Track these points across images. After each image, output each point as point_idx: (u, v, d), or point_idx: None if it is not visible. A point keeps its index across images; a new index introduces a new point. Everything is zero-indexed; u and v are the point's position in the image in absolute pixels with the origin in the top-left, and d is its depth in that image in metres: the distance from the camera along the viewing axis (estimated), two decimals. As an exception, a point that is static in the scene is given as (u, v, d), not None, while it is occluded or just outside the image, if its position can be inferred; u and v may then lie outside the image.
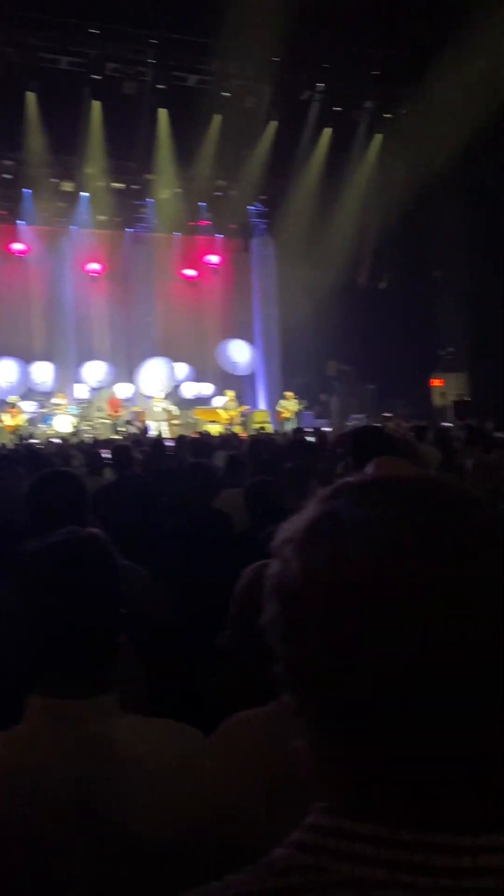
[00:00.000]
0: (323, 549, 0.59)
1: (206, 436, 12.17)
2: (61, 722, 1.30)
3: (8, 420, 16.39)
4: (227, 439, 10.95)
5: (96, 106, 16.57)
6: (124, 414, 18.03)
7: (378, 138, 18.72)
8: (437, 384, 19.46)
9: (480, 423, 11.03)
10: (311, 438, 9.81)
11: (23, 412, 16.85)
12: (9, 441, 13.40)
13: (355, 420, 16.44)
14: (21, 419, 16.56)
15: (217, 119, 17.41)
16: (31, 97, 16.15)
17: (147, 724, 1.40)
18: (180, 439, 8.80)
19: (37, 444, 12.47)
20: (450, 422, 14.99)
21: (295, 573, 0.60)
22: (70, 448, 10.58)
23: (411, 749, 0.56)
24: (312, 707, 0.60)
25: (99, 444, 10.79)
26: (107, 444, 10.03)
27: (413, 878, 0.55)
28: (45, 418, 17.34)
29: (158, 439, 7.56)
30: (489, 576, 0.57)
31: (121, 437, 11.55)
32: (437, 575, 0.56)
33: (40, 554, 1.40)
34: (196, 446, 7.88)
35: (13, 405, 16.94)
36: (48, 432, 16.29)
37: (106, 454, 7.56)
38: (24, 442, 12.56)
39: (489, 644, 0.56)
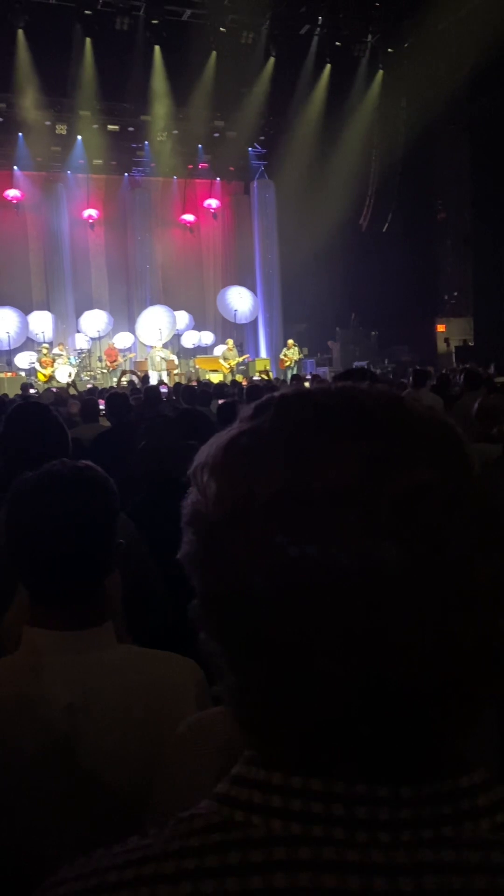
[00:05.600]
0: (239, 467, 0.53)
1: (202, 384, 12.08)
2: (57, 653, 1.30)
3: (43, 371, 16.72)
4: (225, 387, 10.88)
5: (88, 43, 16.06)
6: (121, 363, 17.95)
7: (379, 75, 18.15)
8: (440, 329, 19.25)
9: (482, 367, 10.88)
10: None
11: (55, 363, 16.96)
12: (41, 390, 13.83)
13: (358, 367, 16.29)
14: (50, 370, 16.75)
15: (213, 56, 16.87)
16: (20, 34, 15.65)
17: (142, 654, 1.39)
18: (176, 387, 8.74)
19: (34, 393, 12.44)
20: (452, 367, 14.85)
21: (209, 497, 0.54)
22: (68, 397, 10.54)
23: (330, 689, 0.50)
24: (231, 646, 0.54)
25: (96, 392, 10.74)
26: (104, 393, 9.97)
27: (329, 832, 0.50)
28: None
29: (152, 387, 7.49)
30: (419, 486, 0.50)
31: (119, 388, 11.54)
32: (358, 486, 0.49)
33: (36, 482, 1.37)
34: (190, 394, 7.81)
35: (46, 355, 17.07)
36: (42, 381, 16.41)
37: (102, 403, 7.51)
38: (25, 392, 12.51)
39: (415, 562, 0.49)
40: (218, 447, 0.56)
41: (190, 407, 5.48)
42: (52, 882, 0.57)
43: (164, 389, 8.44)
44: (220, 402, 5.86)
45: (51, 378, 16.51)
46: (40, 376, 16.58)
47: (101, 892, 0.53)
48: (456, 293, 19.30)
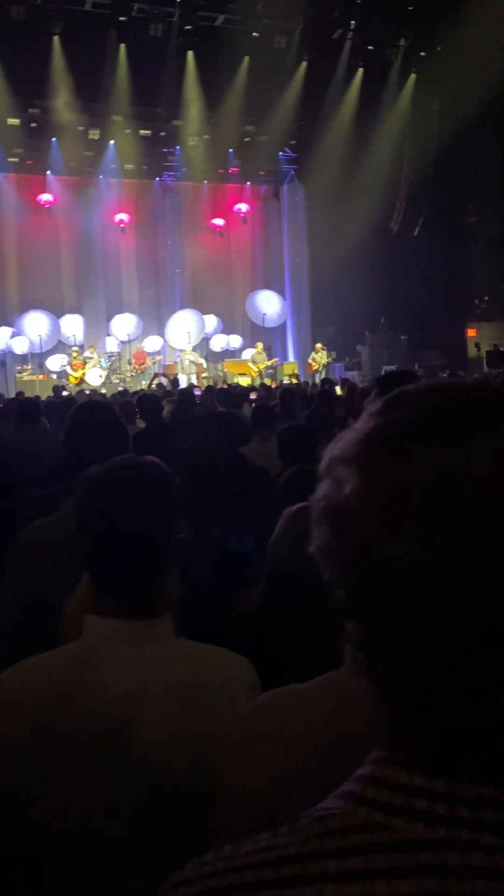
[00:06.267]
0: (384, 460, 0.53)
1: (234, 386, 12.11)
2: (116, 642, 1.32)
3: (74, 373, 16.85)
4: (257, 390, 10.89)
5: (122, 49, 16.21)
6: (149, 366, 18.07)
7: (412, 78, 18.07)
8: (471, 334, 19.09)
9: (514, 373, 10.77)
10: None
11: (85, 365, 17.09)
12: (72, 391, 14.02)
13: (387, 371, 16.21)
14: (81, 373, 16.84)
15: (246, 61, 16.91)
16: (56, 41, 15.84)
17: (197, 649, 1.41)
18: (209, 389, 8.76)
19: (66, 395, 12.56)
20: (483, 372, 14.71)
21: (352, 491, 0.54)
22: (101, 399, 10.62)
23: (490, 686, 0.50)
24: (377, 638, 0.54)
25: (128, 395, 10.81)
26: (134, 395, 10.03)
27: (477, 837, 0.50)
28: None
29: (186, 389, 7.52)
30: None
31: (149, 390, 11.64)
32: (499, 477, 0.50)
33: (105, 474, 1.40)
34: (224, 396, 7.83)
35: (77, 358, 17.19)
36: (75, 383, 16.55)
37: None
38: (57, 395, 12.63)
39: None
40: (353, 442, 0.57)
41: (223, 410, 5.51)
42: (182, 879, 0.57)
43: (197, 392, 8.48)
44: (252, 396, 5.86)
45: (81, 380, 16.66)
46: (71, 379, 16.76)
47: (240, 891, 0.53)
48: (487, 297, 19.14)
